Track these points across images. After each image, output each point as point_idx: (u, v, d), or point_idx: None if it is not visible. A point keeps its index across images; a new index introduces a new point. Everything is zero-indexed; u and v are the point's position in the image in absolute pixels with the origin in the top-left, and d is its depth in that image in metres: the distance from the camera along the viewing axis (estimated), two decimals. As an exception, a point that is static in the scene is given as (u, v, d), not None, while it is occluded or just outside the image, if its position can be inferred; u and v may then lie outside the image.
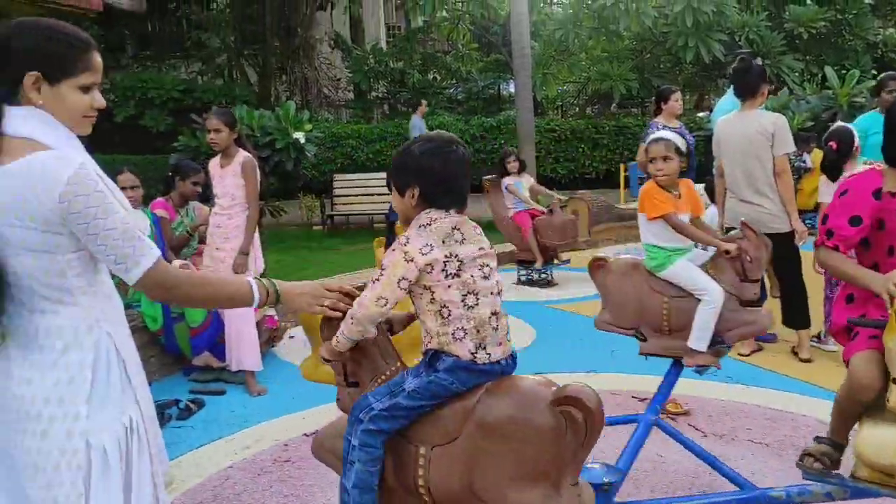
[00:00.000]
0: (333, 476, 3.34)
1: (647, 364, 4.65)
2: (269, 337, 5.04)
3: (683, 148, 3.27)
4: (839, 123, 5.07)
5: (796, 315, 4.80)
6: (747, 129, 4.63)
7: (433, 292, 1.93)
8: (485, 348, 1.94)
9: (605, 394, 4.11)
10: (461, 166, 2.00)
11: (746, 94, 4.71)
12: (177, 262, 4.78)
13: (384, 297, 1.94)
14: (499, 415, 1.83)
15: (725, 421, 3.78)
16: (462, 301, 1.92)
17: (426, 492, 1.94)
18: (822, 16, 13.16)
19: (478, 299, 1.94)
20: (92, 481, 1.69)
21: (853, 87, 9.58)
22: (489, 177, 7.33)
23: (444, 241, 1.93)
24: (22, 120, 1.67)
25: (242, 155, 4.63)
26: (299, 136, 10.27)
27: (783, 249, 4.50)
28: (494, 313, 1.96)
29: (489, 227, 9.24)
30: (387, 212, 7.78)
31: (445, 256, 1.91)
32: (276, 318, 5.16)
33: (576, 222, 6.93)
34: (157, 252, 1.71)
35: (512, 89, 16.22)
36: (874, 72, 12.98)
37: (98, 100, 1.79)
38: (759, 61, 5.48)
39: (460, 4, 14.74)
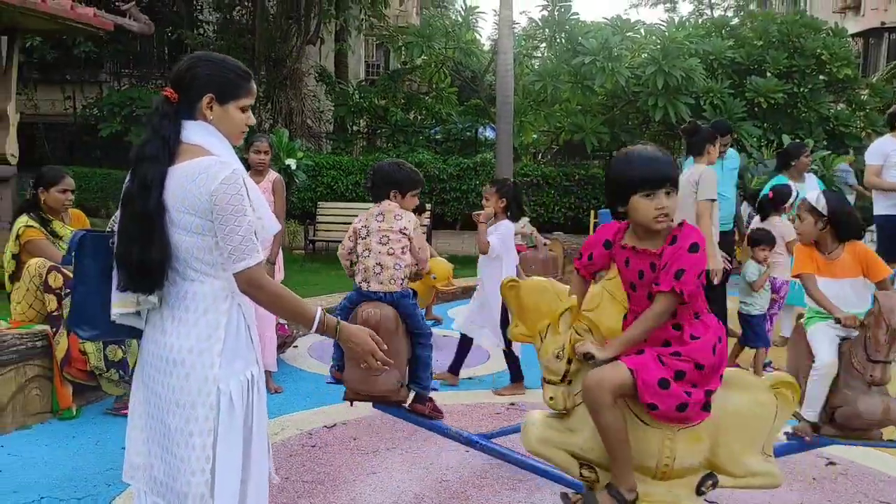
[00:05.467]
0: (358, 460, 3.84)
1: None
2: (281, 343, 5.47)
3: (822, 209, 3.52)
4: (786, 182, 5.94)
5: None
6: (683, 179, 5.32)
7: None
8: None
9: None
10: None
11: (693, 152, 5.39)
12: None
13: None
14: None
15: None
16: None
17: None
18: (780, 88, 14.18)
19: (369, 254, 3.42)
20: (220, 420, 2.09)
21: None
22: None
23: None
24: (195, 130, 2.12)
25: (273, 174, 5.13)
26: (291, 162, 10.77)
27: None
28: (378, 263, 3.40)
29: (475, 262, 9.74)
30: None
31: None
32: (287, 326, 5.60)
33: (556, 259, 7.53)
34: (260, 257, 2.06)
35: (488, 133, 16.97)
36: (825, 142, 14.04)
37: (251, 119, 2.26)
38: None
39: (443, 49, 15.43)
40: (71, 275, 4.29)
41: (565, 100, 15.13)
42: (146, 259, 2.04)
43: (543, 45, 16.02)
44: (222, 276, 2.10)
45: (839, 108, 15.39)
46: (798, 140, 11.97)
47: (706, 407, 2.30)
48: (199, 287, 2.10)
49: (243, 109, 2.21)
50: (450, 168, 14.32)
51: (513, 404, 4.86)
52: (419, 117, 16.90)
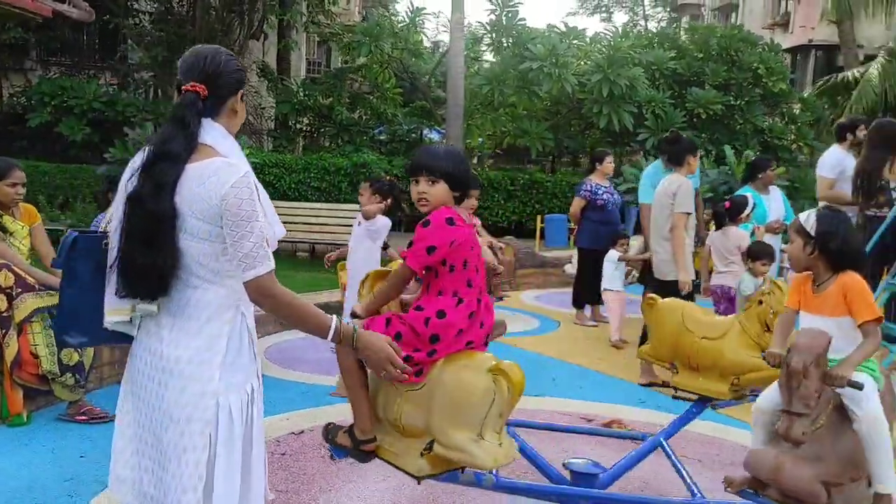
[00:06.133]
0: (332, 467, 3.73)
1: (584, 391, 5.30)
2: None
3: (811, 229, 2.94)
4: (743, 193, 6.08)
5: None
6: (661, 189, 5.40)
7: None
8: None
9: (555, 414, 4.65)
10: None
11: (673, 162, 5.47)
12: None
13: None
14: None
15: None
16: None
17: None
18: (719, 100, 14.63)
19: None
20: (218, 435, 1.95)
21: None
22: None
23: None
24: (208, 129, 2.00)
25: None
26: (236, 159, 10.49)
27: (667, 294, 5.25)
28: None
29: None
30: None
31: None
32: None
33: (512, 263, 7.54)
34: (272, 265, 1.94)
35: (433, 136, 16.96)
36: (759, 153, 14.52)
37: None
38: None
39: (390, 50, 15.33)
40: (24, 274, 4.09)
41: (510, 104, 15.24)
42: (154, 264, 1.91)
43: (490, 48, 16.07)
44: (227, 284, 2.00)
45: (773, 121, 15.96)
46: (735, 150, 12.37)
47: (418, 373, 2.44)
48: (203, 295, 1.98)
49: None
50: (395, 170, 14.19)
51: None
52: (364, 117, 16.73)
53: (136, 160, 2.00)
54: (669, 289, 5.17)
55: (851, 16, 17.12)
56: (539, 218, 13.14)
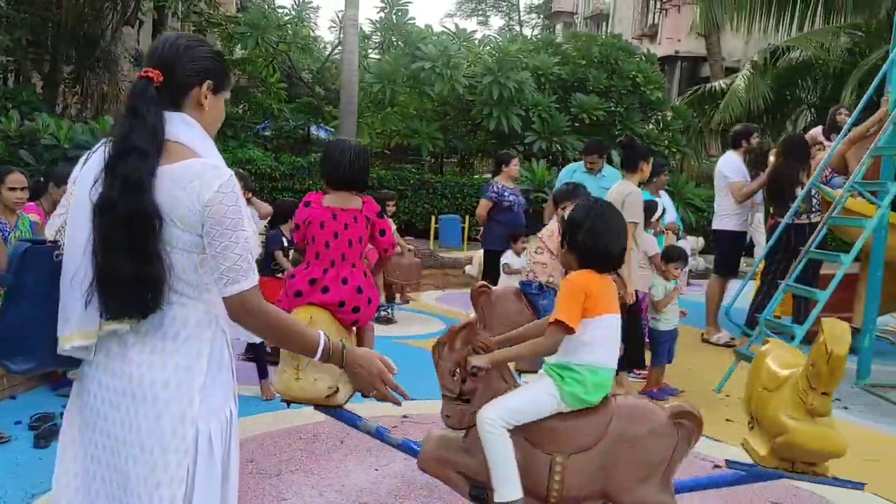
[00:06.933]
0: (262, 484, 3.54)
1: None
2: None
3: None
4: (652, 197, 6.25)
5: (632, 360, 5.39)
6: (611, 196, 5.42)
7: None
8: None
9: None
10: None
11: (627, 167, 5.42)
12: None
13: None
14: None
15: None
16: None
17: None
18: (601, 106, 15.14)
19: None
20: (197, 466, 1.76)
21: (633, 170, 11.22)
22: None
23: None
24: (176, 124, 1.77)
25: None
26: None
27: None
28: None
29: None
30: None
31: None
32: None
33: (419, 265, 7.47)
34: (256, 279, 1.78)
35: (321, 133, 16.61)
36: (638, 158, 15.16)
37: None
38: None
39: (277, 43, 14.86)
40: None
41: (400, 103, 15.15)
42: (147, 276, 1.68)
43: (379, 47, 15.92)
44: (204, 299, 1.81)
45: (649, 128, 16.69)
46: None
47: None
48: (180, 311, 1.78)
49: (225, 102, 1.94)
50: (283, 167, 13.79)
51: (406, 416, 4.73)
52: (248, 112, 16.14)
53: (93, 163, 1.77)
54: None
55: (718, 30, 18.18)
56: (433, 218, 13.13)
